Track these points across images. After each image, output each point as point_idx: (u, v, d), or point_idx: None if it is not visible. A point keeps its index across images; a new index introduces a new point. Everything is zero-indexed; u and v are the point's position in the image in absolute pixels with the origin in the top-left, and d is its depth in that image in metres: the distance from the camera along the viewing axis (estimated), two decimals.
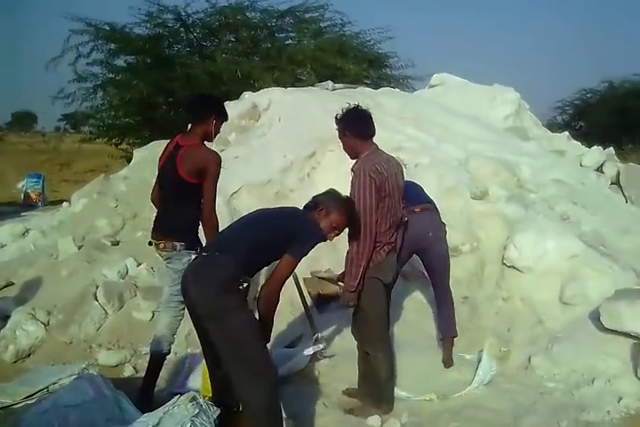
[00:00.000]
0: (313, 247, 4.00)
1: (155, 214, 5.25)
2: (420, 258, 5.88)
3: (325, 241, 4.16)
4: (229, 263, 3.77)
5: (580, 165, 9.96)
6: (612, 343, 5.61)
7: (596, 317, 5.78)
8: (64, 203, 10.42)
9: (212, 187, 4.77)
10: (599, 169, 9.94)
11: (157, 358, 5.03)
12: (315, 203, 4.24)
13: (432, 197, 5.95)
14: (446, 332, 5.76)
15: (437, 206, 5.88)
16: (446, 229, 5.78)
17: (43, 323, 6.54)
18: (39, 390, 4.39)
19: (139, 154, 10.42)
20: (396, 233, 4.87)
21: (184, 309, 4.73)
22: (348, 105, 4.92)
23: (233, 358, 3.77)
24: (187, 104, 4.72)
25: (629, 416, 4.86)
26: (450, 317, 5.77)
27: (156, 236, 5.03)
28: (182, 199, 4.88)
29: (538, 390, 5.32)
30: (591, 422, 4.74)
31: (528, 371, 5.69)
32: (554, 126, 23.32)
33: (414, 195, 5.65)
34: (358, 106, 4.91)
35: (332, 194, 4.31)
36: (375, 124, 4.90)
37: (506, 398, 5.18)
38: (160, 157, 5.08)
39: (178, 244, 4.87)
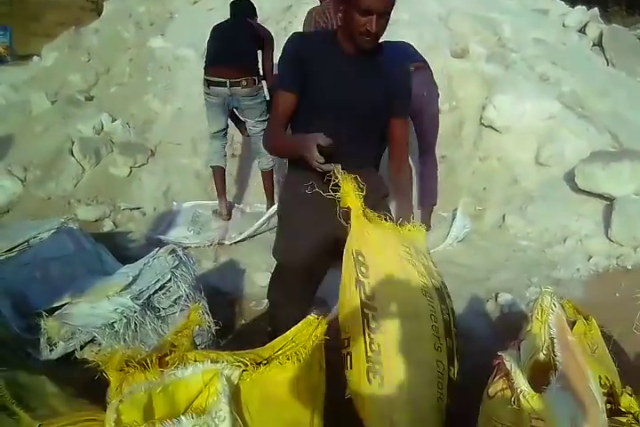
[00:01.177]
0: None
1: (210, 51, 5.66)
2: (412, 120, 5.77)
3: None
4: None
5: (563, 26, 9.74)
6: (586, 204, 5.69)
7: (570, 178, 5.83)
8: (34, 57, 10.14)
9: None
10: (582, 30, 9.73)
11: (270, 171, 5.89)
12: None
13: None
14: (428, 201, 5.75)
15: (430, 66, 5.66)
16: (438, 90, 5.66)
17: (20, 179, 6.53)
18: (19, 244, 4.39)
19: (109, 6, 10.05)
20: None
21: None
22: None
23: None
24: None
25: (597, 274, 4.98)
26: (433, 186, 5.71)
27: (234, 73, 5.45)
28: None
29: (511, 247, 5.43)
30: (561, 279, 4.86)
31: (502, 229, 5.77)
32: None
33: (407, 53, 5.50)
34: None
35: None
36: None
37: (479, 255, 5.31)
38: None
39: (256, 78, 5.55)
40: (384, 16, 2.73)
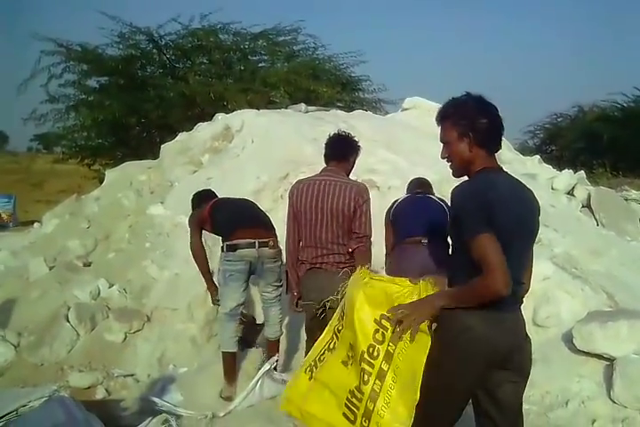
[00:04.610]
0: None
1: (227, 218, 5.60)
2: None
3: None
4: None
5: (552, 189, 10.06)
6: (586, 365, 5.62)
7: (569, 338, 5.79)
8: (35, 223, 10.37)
9: None
10: (570, 192, 10.05)
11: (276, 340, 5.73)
12: None
13: None
14: None
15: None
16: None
17: (13, 344, 6.48)
18: (7, 413, 4.29)
19: (111, 174, 10.37)
20: (315, 252, 4.91)
21: None
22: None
23: None
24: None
25: None
26: None
27: (261, 233, 5.44)
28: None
29: None
30: None
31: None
32: (525, 150, 23.56)
33: (407, 225, 5.59)
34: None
35: None
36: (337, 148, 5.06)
37: None
38: None
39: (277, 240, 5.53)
40: (445, 145, 3.19)
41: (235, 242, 5.36)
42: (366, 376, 3.00)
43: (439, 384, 2.95)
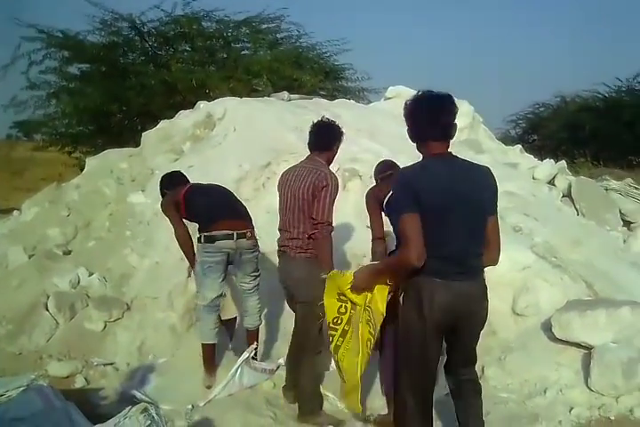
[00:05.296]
0: None
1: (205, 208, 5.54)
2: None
3: None
4: None
5: (533, 178, 10.10)
6: (564, 354, 5.68)
7: (547, 327, 5.85)
8: (15, 211, 10.26)
9: None
10: (551, 182, 10.09)
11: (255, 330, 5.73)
12: None
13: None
14: None
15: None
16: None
17: None
18: None
19: (91, 162, 10.31)
20: (282, 236, 5.13)
21: None
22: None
23: None
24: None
25: (580, 426, 4.91)
26: None
27: (239, 225, 5.42)
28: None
29: (491, 400, 5.29)
30: None
31: (482, 381, 5.65)
32: (507, 139, 23.62)
33: None
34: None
35: None
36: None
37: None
38: None
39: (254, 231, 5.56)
40: None
41: (213, 233, 5.33)
42: (331, 338, 4.19)
43: (408, 337, 3.70)
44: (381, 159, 6.10)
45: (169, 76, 17.38)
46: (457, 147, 10.03)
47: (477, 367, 5.77)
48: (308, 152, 5.12)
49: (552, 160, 11.01)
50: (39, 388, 4.24)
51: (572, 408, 5.10)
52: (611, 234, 8.92)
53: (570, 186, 9.74)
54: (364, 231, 5.95)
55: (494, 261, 3.85)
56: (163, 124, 10.44)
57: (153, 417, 3.73)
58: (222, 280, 5.51)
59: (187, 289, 6.44)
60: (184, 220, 5.70)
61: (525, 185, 9.26)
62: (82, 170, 11.11)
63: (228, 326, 5.98)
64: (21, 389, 4.30)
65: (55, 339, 6.48)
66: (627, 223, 9.46)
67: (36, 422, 3.82)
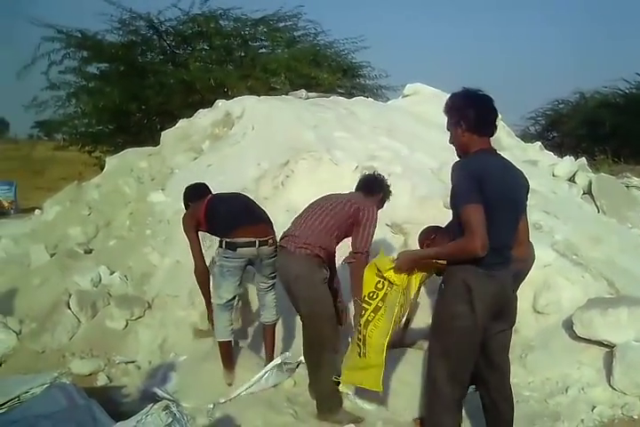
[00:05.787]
0: None
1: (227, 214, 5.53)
2: None
3: None
4: None
5: (553, 175, 10.03)
6: (586, 352, 5.64)
7: (569, 325, 5.80)
8: (36, 210, 10.35)
9: None
10: (571, 179, 10.02)
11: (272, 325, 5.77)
12: None
13: (405, 207, 5.89)
14: None
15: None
16: None
17: (15, 332, 6.50)
18: (10, 400, 4.31)
19: (111, 161, 10.36)
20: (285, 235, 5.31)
21: None
22: None
23: None
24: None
25: (602, 425, 4.88)
26: None
27: (261, 231, 5.42)
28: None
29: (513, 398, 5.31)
30: None
31: None
32: (527, 136, 23.49)
33: None
34: None
35: None
36: None
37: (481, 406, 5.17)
38: None
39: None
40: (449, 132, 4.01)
41: (235, 240, 5.32)
42: (363, 311, 4.26)
43: (452, 327, 3.74)
44: (401, 158, 6.11)
45: (187, 75, 17.45)
46: None
47: None
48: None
49: (572, 157, 10.93)
50: (62, 385, 4.28)
51: (594, 407, 5.06)
52: (632, 231, 8.85)
53: (590, 183, 9.67)
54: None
55: (526, 257, 4.23)
56: (182, 123, 10.48)
57: (175, 415, 3.73)
58: (240, 283, 5.56)
59: None
60: (206, 232, 5.82)
61: (546, 182, 9.20)
62: (102, 169, 11.18)
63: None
64: (45, 386, 4.33)
65: (77, 337, 6.52)
66: None
67: (59, 419, 3.84)
